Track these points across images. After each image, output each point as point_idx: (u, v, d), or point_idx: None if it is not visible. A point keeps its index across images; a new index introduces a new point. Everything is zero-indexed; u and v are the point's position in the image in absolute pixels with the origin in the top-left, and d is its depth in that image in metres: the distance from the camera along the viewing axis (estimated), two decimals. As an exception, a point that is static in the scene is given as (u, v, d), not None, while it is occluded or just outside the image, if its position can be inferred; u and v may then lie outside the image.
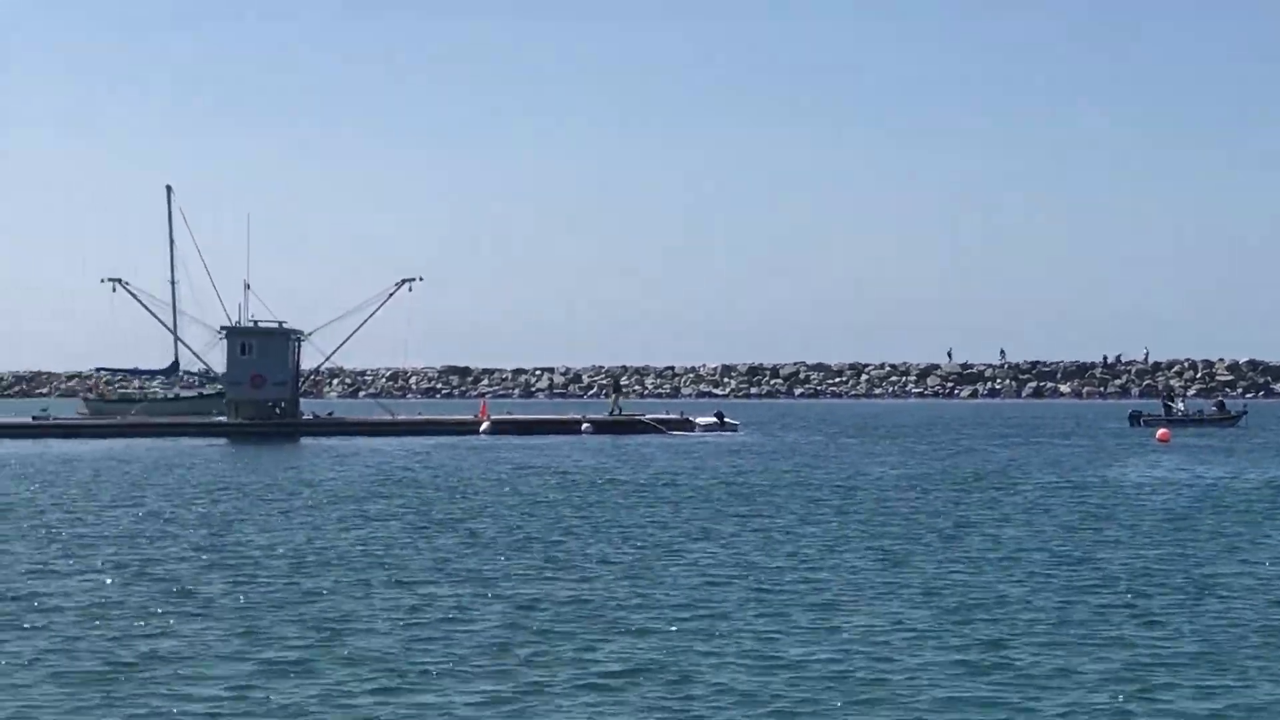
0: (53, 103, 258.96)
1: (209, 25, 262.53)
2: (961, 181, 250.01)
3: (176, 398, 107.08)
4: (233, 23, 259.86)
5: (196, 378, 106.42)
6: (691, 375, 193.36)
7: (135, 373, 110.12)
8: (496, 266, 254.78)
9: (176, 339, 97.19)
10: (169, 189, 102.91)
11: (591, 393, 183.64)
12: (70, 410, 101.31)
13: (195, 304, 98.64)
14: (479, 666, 18.41)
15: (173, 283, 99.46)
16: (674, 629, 20.67)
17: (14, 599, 23.80)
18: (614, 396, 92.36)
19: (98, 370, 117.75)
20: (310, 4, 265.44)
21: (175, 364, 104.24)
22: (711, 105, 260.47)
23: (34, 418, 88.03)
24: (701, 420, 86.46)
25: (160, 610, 22.66)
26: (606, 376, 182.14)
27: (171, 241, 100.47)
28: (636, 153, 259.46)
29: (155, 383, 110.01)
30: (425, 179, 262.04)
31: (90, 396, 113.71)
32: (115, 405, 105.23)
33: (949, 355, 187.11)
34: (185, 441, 76.36)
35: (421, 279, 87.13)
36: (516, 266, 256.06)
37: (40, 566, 27.83)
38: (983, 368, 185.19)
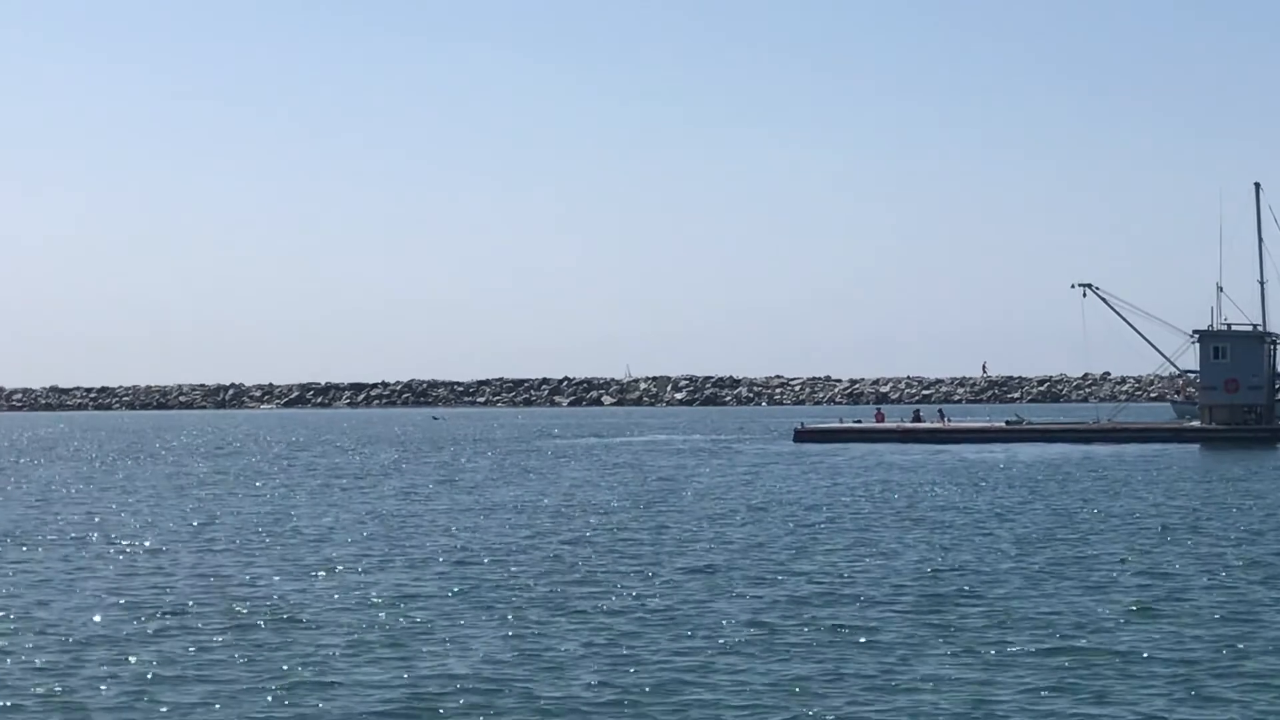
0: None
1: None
2: None
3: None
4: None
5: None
6: None
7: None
8: None
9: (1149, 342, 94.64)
10: (1257, 186, 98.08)
11: None
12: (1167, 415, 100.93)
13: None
14: None
15: (1261, 282, 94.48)
16: None
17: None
18: None
19: (1185, 373, 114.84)
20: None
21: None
22: None
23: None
24: None
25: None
26: None
27: (1260, 240, 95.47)
28: None
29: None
30: None
31: (1178, 399, 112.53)
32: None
33: None
34: (1154, 448, 75.39)
35: None
36: None
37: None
38: None
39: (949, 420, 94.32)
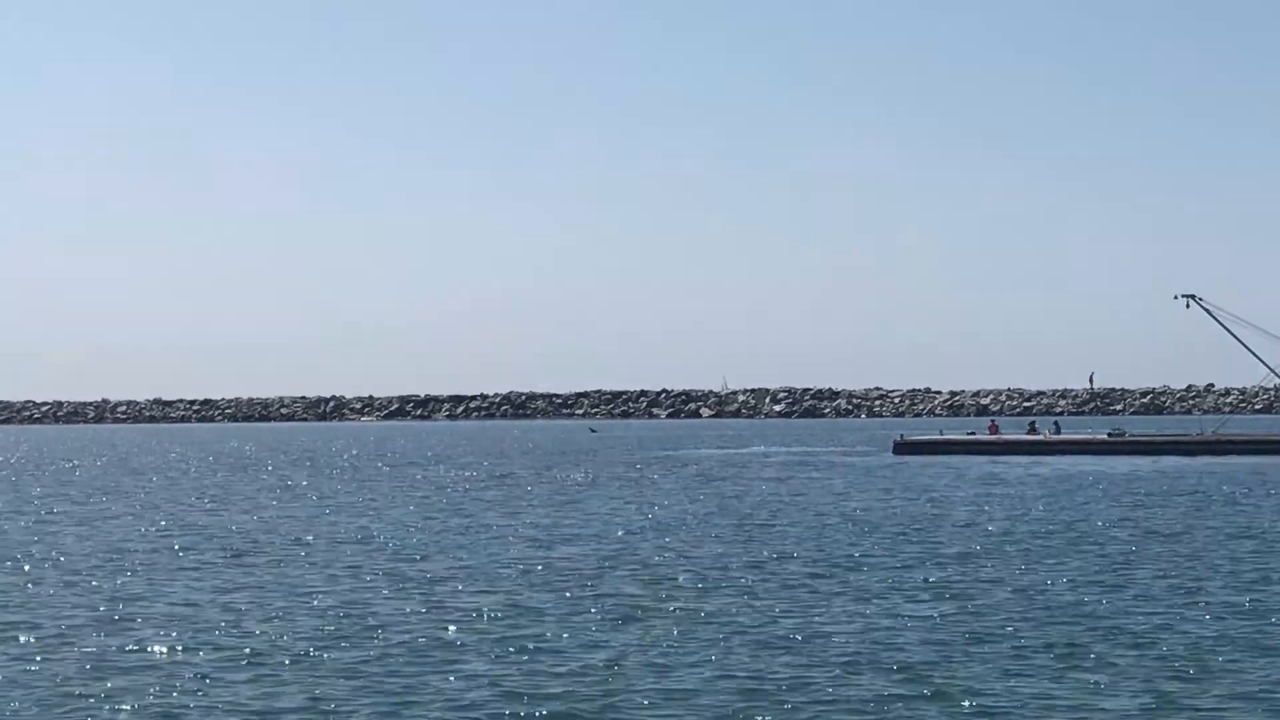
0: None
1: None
2: None
3: None
4: None
5: None
6: None
7: None
8: None
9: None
10: None
11: None
12: None
13: None
14: None
15: None
16: None
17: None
18: None
19: None
20: None
21: None
22: None
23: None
24: None
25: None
26: None
27: None
28: None
29: None
30: None
31: None
32: None
33: None
34: (1259, 460, 74.57)
35: None
36: None
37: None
38: None
39: (1049, 432, 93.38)
